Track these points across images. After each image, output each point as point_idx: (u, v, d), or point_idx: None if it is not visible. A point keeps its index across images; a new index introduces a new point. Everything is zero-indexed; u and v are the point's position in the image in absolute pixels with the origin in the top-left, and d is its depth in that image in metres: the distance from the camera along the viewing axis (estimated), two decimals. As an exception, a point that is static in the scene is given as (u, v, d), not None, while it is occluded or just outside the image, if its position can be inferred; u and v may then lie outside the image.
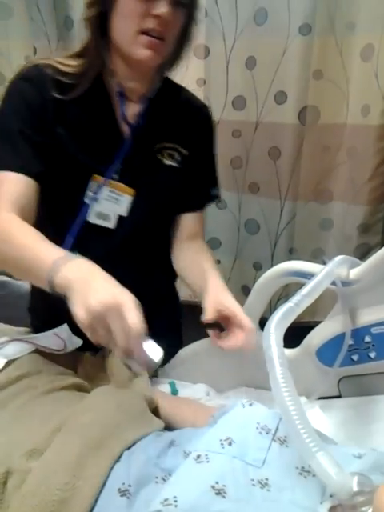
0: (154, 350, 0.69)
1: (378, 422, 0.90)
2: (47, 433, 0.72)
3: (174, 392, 1.06)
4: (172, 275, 1.17)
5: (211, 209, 1.29)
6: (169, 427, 0.82)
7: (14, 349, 0.93)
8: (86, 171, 0.97)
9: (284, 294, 1.63)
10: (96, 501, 0.62)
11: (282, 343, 0.67)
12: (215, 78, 1.63)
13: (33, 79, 0.92)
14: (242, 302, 0.94)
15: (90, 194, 0.99)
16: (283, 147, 1.60)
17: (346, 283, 0.92)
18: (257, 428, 0.71)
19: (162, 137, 1.04)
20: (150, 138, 1.02)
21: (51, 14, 1.69)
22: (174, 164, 1.05)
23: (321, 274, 0.83)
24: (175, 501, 0.58)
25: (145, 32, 0.86)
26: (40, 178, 0.90)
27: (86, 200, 0.99)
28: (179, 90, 1.09)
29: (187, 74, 1.47)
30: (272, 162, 1.63)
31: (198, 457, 0.66)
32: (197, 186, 1.12)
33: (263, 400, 0.81)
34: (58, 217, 1.00)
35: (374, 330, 0.93)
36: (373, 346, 0.94)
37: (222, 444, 0.68)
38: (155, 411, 0.84)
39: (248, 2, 1.50)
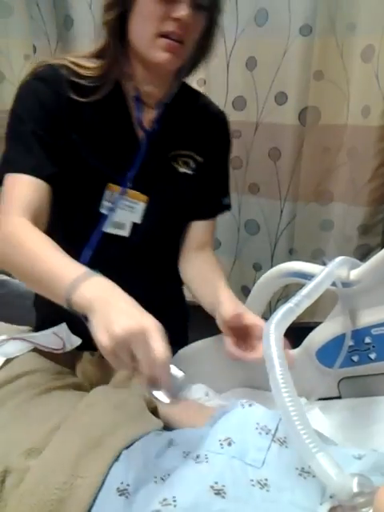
0: (177, 376, 0.67)
1: (378, 423, 0.90)
2: (46, 432, 0.71)
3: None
4: (181, 280, 1.14)
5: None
6: (168, 427, 0.81)
7: (13, 347, 0.93)
8: (100, 177, 0.95)
9: (284, 294, 1.63)
10: (94, 500, 0.61)
11: (281, 344, 0.66)
12: (215, 78, 1.62)
13: (48, 79, 0.89)
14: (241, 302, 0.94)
15: (106, 203, 0.97)
16: (283, 148, 1.60)
17: (346, 284, 0.92)
18: (256, 428, 0.71)
19: (178, 144, 1.02)
20: (165, 144, 1.00)
21: (51, 13, 1.69)
22: (189, 171, 1.03)
23: (321, 275, 0.83)
24: (174, 501, 0.58)
25: (164, 35, 0.84)
26: (52, 180, 0.88)
27: (103, 210, 0.97)
28: (197, 95, 1.07)
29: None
30: (272, 162, 1.63)
31: (198, 457, 0.66)
32: (209, 194, 1.09)
33: (263, 400, 0.80)
34: (71, 225, 0.99)
35: (374, 331, 0.93)
36: (373, 347, 0.94)
37: (221, 444, 0.68)
38: (154, 411, 0.84)
39: (249, 3, 1.50)
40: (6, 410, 0.78)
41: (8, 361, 0.89)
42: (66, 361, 0.98)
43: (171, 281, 1.15)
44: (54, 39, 1.73)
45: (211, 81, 1.64)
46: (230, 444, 0.68)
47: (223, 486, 0.61)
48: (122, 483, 0.63)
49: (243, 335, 0.87)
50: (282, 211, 1.66)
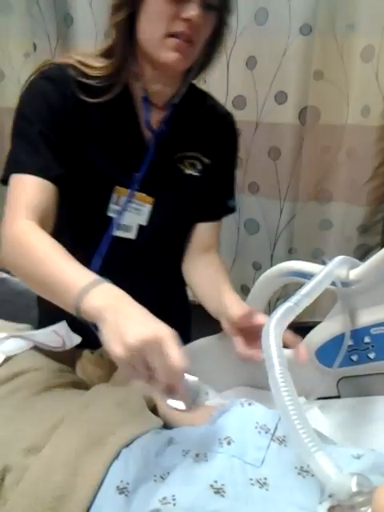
0: (193, 382, 0.66)
1: (377, 422, 0.90)
2: (46, 429, 0.71)
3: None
4: (184, 280, 1.14)
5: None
6: (167, 426, 0.81)
7: (13, 345, 0.93)
8: (107, 179, 0.94)
9: (283, 294, 1.63)
10: (94, 498, 0.62)
11: (281, 343, 0.66)
12: (215, 77, 1.62)
13: (55, 79, 0.88)
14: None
15: (113, 207, 0.96)
16: (283, 147, 1.60)
17: (345, 284, 0.92)
18: (256, 427, 0.71)
19: (184, 145, 1.01)
20: (171, 146, 0.99)
21: (51, 11, 1.69)
22: (195, 173, 1.02)
23: (321, 274, 0.83)
24: (174, 499, 0.58)
25: (173, 35, 0.83)
26: (59, 181, 0.86)
27: (110, 213, 0.97)
28: (204, 96, 1.05)
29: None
30: (272, 162, 1.63)
31: (197, 455, 0.66)
32: (215, 196, 1.08)
33: (262, 399, 0.80)
34: (78, 228, 0.98)
35: (373, 331, 0.93)
36: (372, 346, 0.94)
37: (220, 443, 0.68)
38: (154, 409, 0.84)
39: (249, 2, 1.50)
40: (5, 408, 0.78)
41: (7, 359, 0.89)
42: (65, 359, 0.98)
43: (175, 281, 1.14)
44: (54, 37, 1.72)
45: (211, 80, 1.62)
46: (229, 443, 0.68)
47: (223, 484, 0.61)
48: (121, 481, 0.63)
49: (251, 336, 0.87)
50: (281, 210, 1.66)
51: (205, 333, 1.09)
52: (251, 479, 0.63)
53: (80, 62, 0.89)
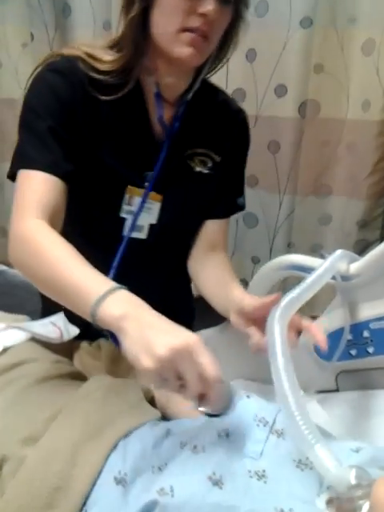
0: (225, 389, 0.64)
1: (375, 416, 0.91)
2: (43, 420, 0.71)
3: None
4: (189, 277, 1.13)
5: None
6: (165, 417, 0.81)
7: (11, 336, 0.92)
8: (118, 178, 0.92)
9: (282, 288, 1.63)
10: (92, 489, 0.61)
11: (285, 334, 0.66)
12: (215, 69, 1.62)
13: (64, 72, 0.85)
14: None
15: (126, 207, 0.95)
16: (283, 141, 1.59)
17: (345, 278, 0.92)
18: (254, 420, 0.71)
19: (195, 142, 0.98)
20: (182, 142, 0.97)
21: (49, 1, 1.66)
22: (205, 170, 1.00)
23: (322, 268, 0.83)
24: (171, 490, 0.58)
25: (188, 29, 0.80)
26: (68, 178, 0.84)
27: (123, 214, 0.95)
28: (216, 91, 1.03)
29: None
30: (271, 155, 1.62)
31: (195, 447, 0.66)
32: (225, 193, 1.06)
33: (261, 392, 0.80)
34: (89, 228, 0.97)
35: (372, 325, 0.93)
36: (371, 340, 0.94)
37: (219, 435, 0.68)
38: (151, 401, 0.84)
39: (249, -6, 1.49)
40: (3, 399, 0.77)
41: (5, 349, 0.89)
42: (63, 350, 0.98)
43: (181, 277, 1.14)
44: (52, 27, 1.70)
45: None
46: (227, 435, 0.68)
47: (221, 476, 0.61)
48: (119, 472, 0.63)
49: (263, 327, 0.84)
50: (280, 204, 1.66)
51: (207, 324, 1.09)
52: (250, 471, 0.63)
53: (88, 54, 0.86)
